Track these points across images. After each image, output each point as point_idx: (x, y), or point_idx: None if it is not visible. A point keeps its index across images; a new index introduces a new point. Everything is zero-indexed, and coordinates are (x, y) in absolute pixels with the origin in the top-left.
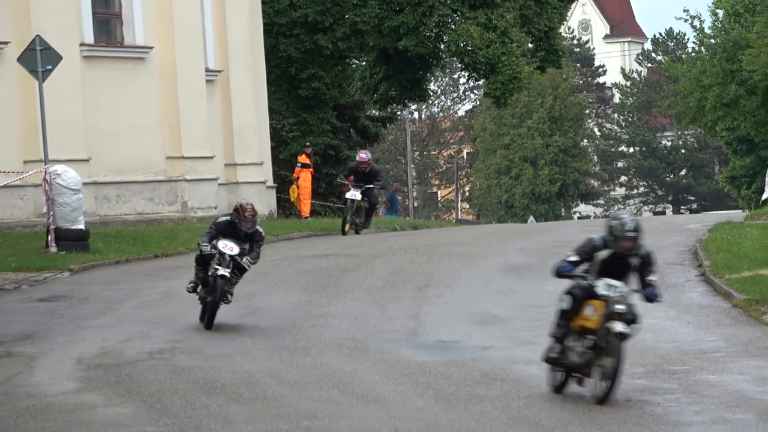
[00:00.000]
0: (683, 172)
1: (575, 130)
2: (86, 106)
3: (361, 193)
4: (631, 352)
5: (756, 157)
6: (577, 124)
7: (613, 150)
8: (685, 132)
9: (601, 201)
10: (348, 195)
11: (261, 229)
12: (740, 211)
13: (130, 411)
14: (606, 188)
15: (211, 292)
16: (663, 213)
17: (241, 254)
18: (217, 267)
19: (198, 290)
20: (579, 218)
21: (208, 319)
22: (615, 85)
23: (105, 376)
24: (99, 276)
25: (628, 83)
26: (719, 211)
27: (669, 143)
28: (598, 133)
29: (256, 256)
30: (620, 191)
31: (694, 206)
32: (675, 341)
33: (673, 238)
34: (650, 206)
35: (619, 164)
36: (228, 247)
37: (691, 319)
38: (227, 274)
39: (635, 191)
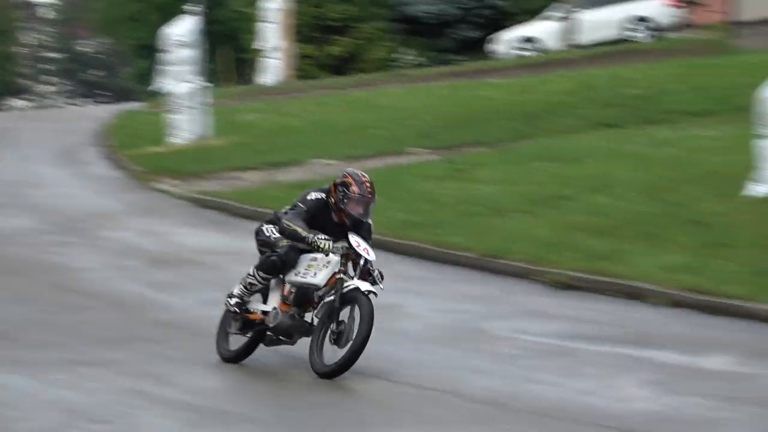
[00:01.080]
0: (99, 72)
1: (10, 41)
2: None
3: None
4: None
5: (152, 59)
6: (12, 36)
7: (43, 56)
8: (101, 41)
9: (32, 96)
10: None
11: (371, 221)
12: (142, 102)
13: None
14: (36, 86)
15: (308, 330)
16: (81, 106)
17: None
18: (342, 276)
19: (246, 309)
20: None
21: (342, 364)
22: (45, 4)
23: None
24: None
25: (59, 2)
26: (127, 103)
27: (89, 50)
28: (35, 43)
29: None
30: (49, 88)
31: (107, 100)
32: (83, 205)
33: (87, 124)
34: (72, 100)
35: (48, 67)
36: (362, 247)
37: (96, 187)
38: (375, 291)
39: (60, 88)
